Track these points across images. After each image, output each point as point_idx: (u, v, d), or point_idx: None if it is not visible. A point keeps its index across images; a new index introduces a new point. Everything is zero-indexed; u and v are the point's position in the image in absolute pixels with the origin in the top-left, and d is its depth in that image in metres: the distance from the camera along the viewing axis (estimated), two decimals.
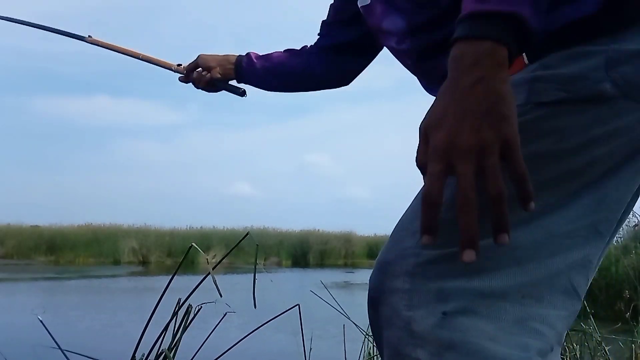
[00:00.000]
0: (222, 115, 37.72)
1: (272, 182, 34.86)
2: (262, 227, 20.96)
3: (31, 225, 19.48)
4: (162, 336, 1.53)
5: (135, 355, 1.52)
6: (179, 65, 1.36)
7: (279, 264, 18.93)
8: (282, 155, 38.28)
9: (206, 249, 15.00)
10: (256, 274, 1.34)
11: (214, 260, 1.53)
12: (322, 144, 39.23)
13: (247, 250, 14.00)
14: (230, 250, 1.54)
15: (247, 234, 1.41)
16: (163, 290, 1.39)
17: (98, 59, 32.48)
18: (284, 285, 9.63)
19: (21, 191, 29.91)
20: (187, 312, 1.53)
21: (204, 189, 34.14)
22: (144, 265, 17.41)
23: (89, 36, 1.46)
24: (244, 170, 34.88)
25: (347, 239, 21.04)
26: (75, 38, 1.46)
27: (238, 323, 2.72)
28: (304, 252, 20.19)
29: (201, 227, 20.91)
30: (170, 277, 1.39)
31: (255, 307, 1.32)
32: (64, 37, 1.46)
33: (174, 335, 1.54)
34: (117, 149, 32.86)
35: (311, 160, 37.80)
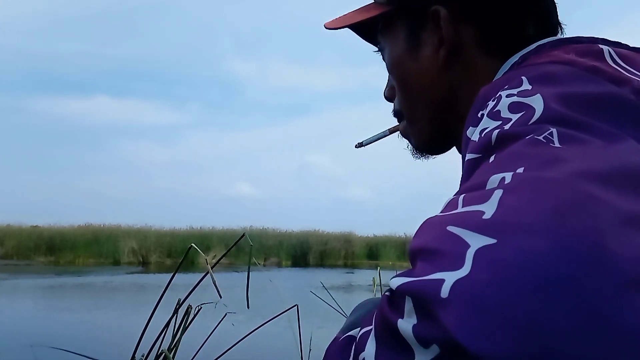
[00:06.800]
0: (222, 116, 37.74)
1: (272, 182, 34.89)
2: (262, 228, 20.99)
3: (31, 226, 19.49)
4: (162, 336, 1.53)
5: (135, 355, 1.52)
6: None
7: (279, 264, 18.93)
8: (283, 155, 38.32)
9: (206, 250, 15.01)
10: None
11: (213, 260, 1.53)
12: (323, 144, 39.27)
13: (247, 251, 13.94)
14: (228, 251, 1.54)
15: (243, 234, 1.41)
16: (163, 290, 1.39)
17: (98, 59, 32.53)
18: (283, 285, 9.63)
19: (21, 191, 29.94)
20: (187, 312, 1.53)
21: (204, 189, 34.17)
22: (143, 266, 17.41)
23: None
24: (244, 170, 34.91)
25: (347, 240, 21.05)
26: None
27: (238, 323, 2.73)
28: (304, 253, 20.20)
29: (201, 227, 20.93)
30: (170, 276, 1.40)
31: (248, 307, 1.32)
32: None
33: (174, 335, 1.54)
34: (117, 149, 32.91)
35: (311, 161, 37.83)
